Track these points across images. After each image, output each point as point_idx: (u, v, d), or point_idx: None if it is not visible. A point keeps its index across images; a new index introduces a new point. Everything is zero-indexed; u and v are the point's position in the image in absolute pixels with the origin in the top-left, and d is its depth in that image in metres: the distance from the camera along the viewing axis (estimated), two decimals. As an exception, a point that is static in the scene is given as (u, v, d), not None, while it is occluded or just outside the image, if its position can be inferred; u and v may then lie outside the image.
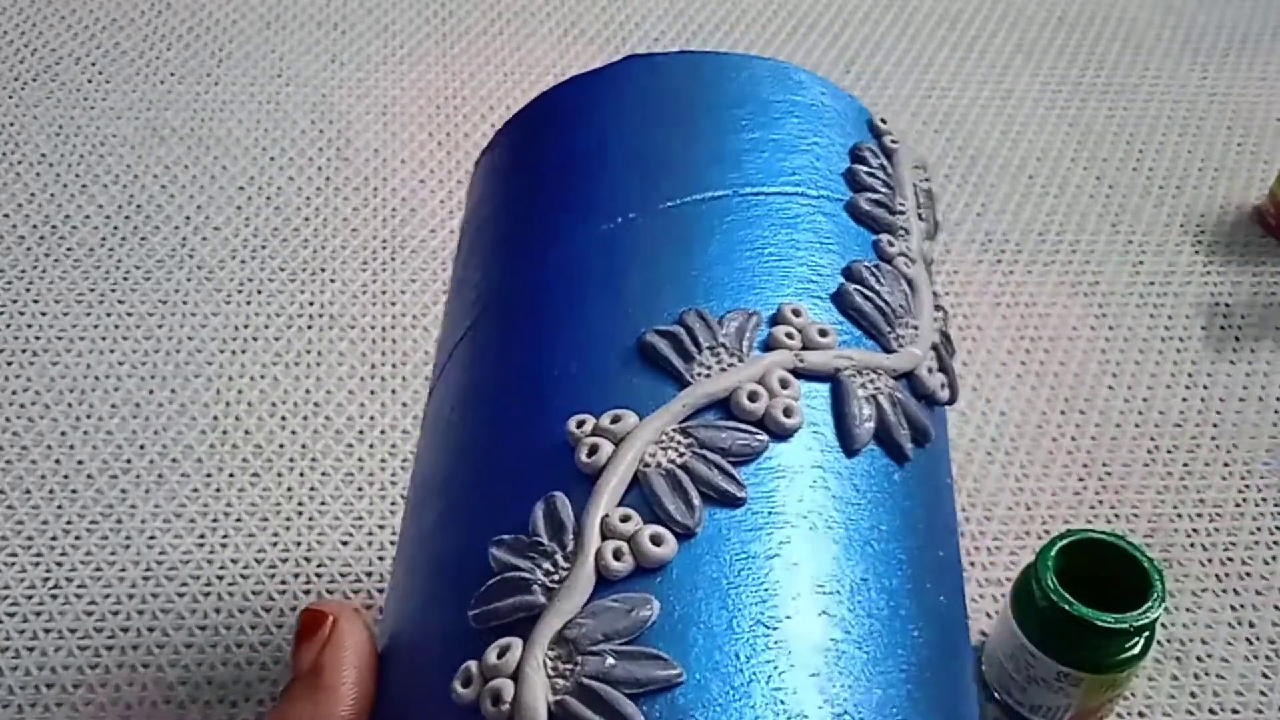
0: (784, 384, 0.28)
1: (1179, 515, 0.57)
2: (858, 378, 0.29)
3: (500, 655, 0.24)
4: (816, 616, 0.25)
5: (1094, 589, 0.44)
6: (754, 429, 0.27)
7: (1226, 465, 0.59)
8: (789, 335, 0.29)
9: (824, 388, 0.29)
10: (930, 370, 0.31)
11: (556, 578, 0.25)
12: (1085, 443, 0.59)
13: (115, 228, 0.65)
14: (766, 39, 0.81)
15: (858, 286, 0.31)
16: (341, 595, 0.51)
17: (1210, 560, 0.55)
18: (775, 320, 0.30)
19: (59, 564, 0.51)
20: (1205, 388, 0.63)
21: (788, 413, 0.28)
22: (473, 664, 0.25)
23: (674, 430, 0.27)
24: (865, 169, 0.35)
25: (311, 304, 0.62)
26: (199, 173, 0.68)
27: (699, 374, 0.28)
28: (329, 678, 0.27)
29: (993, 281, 0.67)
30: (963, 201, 0.71)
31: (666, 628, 0.24)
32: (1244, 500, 0.58)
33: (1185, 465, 0.59)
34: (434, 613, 0.27)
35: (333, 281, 0.63)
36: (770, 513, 0.27)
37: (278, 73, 0.75)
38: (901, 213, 0.35)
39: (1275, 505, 0.58)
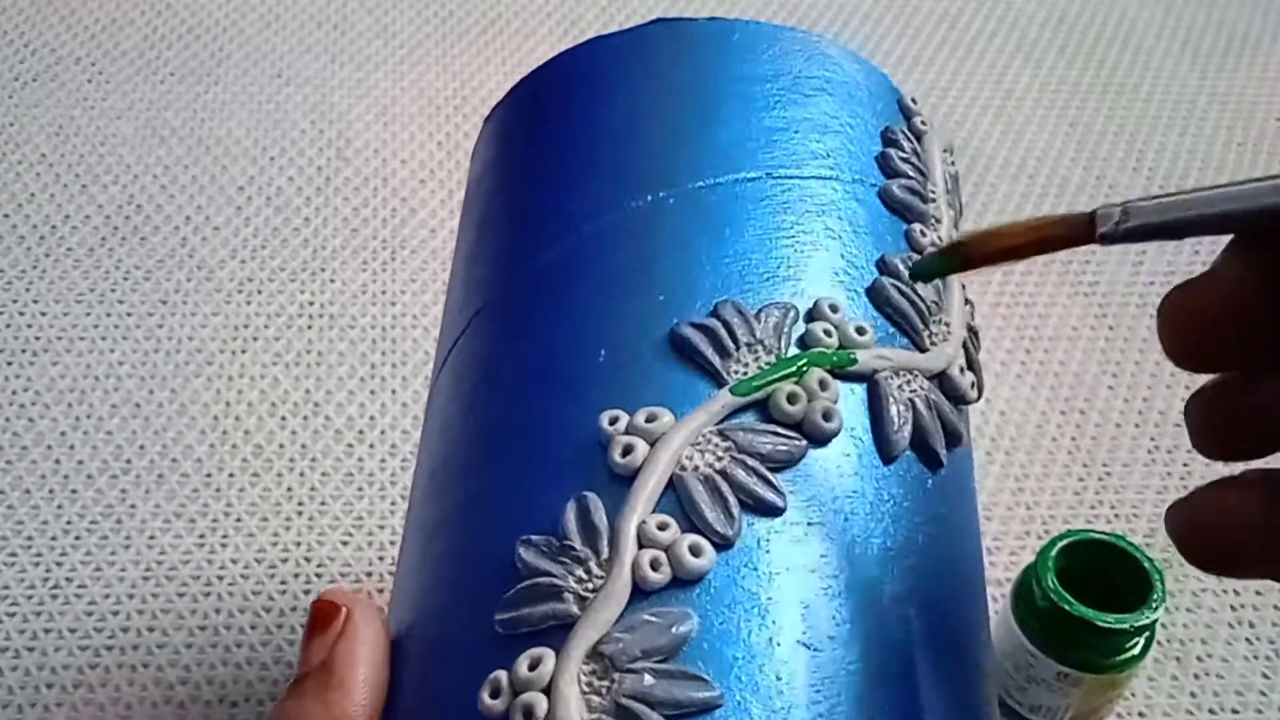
0: (823, 385, 0.27)
1: (1179, 515, 0.57)
2: (894, 379, 0.28)
3: (532, 667, 0.23)
4: (860, 638, 0.24)
5: (1094, 589, 0.44)
6: (793, 433, 0.26)
7: (1227, 465, 0.59)
8: (826, 332, 0.28)
9: (859, 389, 0.28)
10: (961, 370, 0.30)
11: (590, 586, 0.24)
12: (1085, 443, 0.59)
13: (115, 228, 0.65)
14: (766, 39, 0.81)
15: (893, 281, 0.30)
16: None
17: (1210, 560, 0.55)
18: (812, 315, 0.28)
19: (59, 564, 0.51)
20: (1205, 388, 0.62)
21: (827, 416, 0.26)
22: (502, 674, 0.23)
23: (711, 432, 0.26)
24: (899, 153, 0.33)
25: (311, 304, 0.62)
26: (199, 173, 0.68)
27: (736, 373, 0.27)
28: (341, 674, 0.26)
29: (992, 281, 0.67)
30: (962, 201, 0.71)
31: (705, 645, 0.23)
32: (1244, 500, 0.58)
33: (1185, 465, 0.59)
34: (453, 611, 0.26)
35: (333, 281, 0.63)
36: (809, 524, 0.25)
37: (278, 73, 0.75)
38: (933, 200, 0.33)
39: (1275, 505, 0.58)
